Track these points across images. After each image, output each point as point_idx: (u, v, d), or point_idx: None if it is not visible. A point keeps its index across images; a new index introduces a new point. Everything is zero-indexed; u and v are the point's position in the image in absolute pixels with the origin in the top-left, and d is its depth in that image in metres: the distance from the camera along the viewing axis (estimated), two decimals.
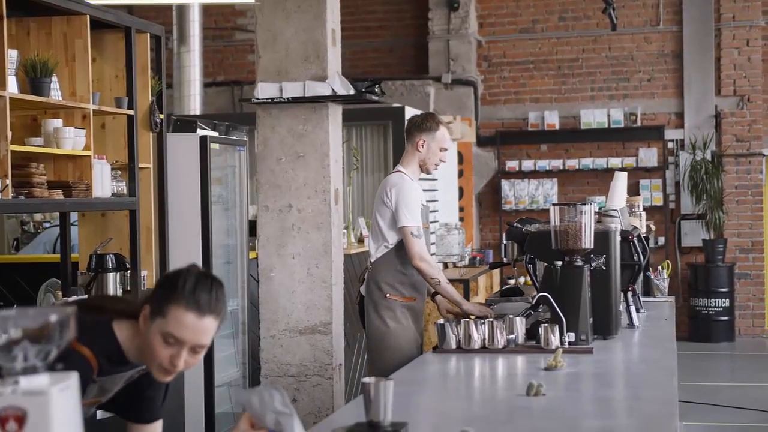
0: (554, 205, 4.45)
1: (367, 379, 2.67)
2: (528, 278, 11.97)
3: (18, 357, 1.78)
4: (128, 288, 5.65)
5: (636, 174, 12.28)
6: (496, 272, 11.15)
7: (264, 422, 2.45)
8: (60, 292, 5.50)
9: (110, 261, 5.48)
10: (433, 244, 9.74)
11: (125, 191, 5.61)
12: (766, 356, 11.50)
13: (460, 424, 2.72)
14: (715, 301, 11.87)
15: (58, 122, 5.07)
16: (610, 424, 2.97)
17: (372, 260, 5.23)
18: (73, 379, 1.82)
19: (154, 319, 2.51)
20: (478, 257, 11.15)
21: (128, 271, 5.62)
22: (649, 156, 12.30)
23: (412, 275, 5.15)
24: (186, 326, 2.48)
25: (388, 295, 5.13)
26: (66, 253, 5.73)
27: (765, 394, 9.19)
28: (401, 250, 5.11)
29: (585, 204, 4.39)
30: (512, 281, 11.88)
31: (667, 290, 6.29)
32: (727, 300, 11.89)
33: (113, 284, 5.51)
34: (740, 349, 11.67)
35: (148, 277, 5.87)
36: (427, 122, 5.26)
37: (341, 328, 5.98)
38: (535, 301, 4.34)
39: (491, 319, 4.25)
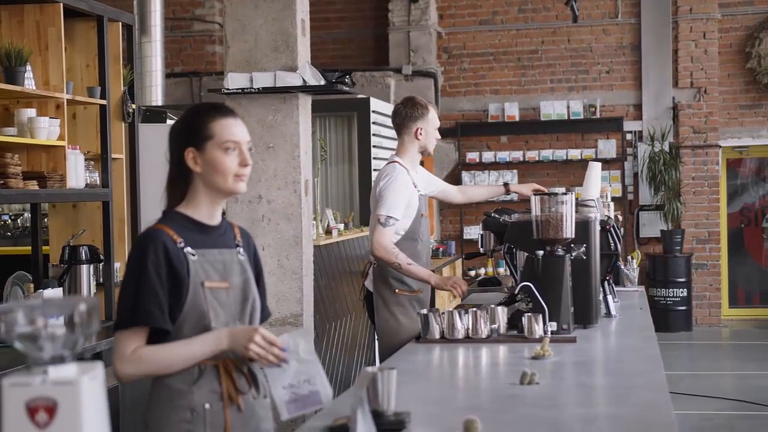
0: (535, 194, 4.47)
1: (371, 369, 2.67)
2: (495, 269, 12.01)
3: (46, 347, 1.76)
4: (101, 280, 5.58)
5: None
6: (458, 263, 11.21)
7: (284, 373, 2.58)
8: (31, 285, 5.42)
9: (84, 253, 5.40)
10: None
11: (98, 182, 5.54)
12: (722, 345, 11.66)
13: (461, 413, 2.72)
14: (672, 291, 12.01)
15: (32, 112, 4.99)
16: (608, 411, 2.99)
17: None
18: (98, 368, 1.80)
19: (204, 147, 2.80)
20: (441, 248, 11.19)
21: (101, 263, 5.56)
22: (608, 147, 12.39)
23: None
24: (233, 127, 2.82)
25: (397, 290, 5.10)
26: (37, 245, 5.65)
27: (724, 382, 9.32)
28: (405, 243, 5.06)
29: (566, 194, 4.41)
30: (483, 271, 11.95)
31: (636, 280, 6.35)
32: (685, 290, 12.04)
33: (86, 276, 5.44)
34: (697, 339, 11.82)
35: (122, 268, 5.81)
36: (418, 110, 5.30)
37: (311, 319, 5.96)
38: (518, 290, 4.35)
39: (474, 309, 4.26)
